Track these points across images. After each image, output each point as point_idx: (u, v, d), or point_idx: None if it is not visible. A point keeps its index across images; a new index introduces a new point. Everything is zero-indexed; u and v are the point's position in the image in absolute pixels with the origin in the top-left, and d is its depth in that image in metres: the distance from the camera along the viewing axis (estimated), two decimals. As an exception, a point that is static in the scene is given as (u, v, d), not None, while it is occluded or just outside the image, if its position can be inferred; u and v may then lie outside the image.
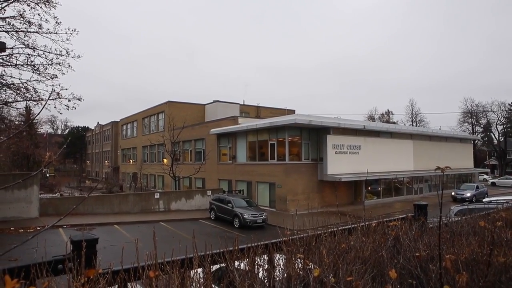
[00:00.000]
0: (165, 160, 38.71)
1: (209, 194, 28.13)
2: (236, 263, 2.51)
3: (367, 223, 3.64)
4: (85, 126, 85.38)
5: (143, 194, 28.93)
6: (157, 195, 27.89)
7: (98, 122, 72.06)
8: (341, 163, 27.01)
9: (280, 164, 26.43)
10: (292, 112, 43.64)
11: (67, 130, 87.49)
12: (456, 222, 4.28)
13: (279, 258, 2.69)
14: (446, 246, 3.04)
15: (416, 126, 69.10)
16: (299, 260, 2.58)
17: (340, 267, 2.46)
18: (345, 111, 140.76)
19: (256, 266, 2.55)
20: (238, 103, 45.18)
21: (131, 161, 53.78)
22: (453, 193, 32.52)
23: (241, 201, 22.69)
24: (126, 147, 56.27)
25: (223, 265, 2.52)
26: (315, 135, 27.54)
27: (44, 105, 2.57)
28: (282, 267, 2.61)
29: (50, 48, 14.84)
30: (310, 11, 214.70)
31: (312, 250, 2.79)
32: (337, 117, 33.77)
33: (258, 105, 47.47)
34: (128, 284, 2.00)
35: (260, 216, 21.04)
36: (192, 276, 2.23)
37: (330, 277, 2.37)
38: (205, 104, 45.22)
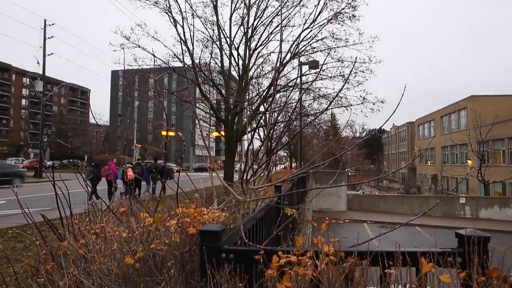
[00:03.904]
0: (469, 162, 34.85)
1: (534, 204, 23.00)
2: None
3: None
4: (381, 128, 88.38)
5: (446, 197, 27.02)
6: (462, 200, 25.32)
7: (393, 124, 73.19)
8: None
9: None
10: None
11: (364, 133, 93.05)
12: None
13: None
14: None
15: None
16: None
17: None
18: None
19: None
20: None
21: (429, 162, 51.56)
22: None
23: None
24: (423, 148, 54.48)
25: None
26: None
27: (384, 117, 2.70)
28: None
29: (355, 58, 16.12)
30: None
31: None
32: None
33: None
34: None
35: None
36: None
37: None
38: (522, 95, 37.58)
